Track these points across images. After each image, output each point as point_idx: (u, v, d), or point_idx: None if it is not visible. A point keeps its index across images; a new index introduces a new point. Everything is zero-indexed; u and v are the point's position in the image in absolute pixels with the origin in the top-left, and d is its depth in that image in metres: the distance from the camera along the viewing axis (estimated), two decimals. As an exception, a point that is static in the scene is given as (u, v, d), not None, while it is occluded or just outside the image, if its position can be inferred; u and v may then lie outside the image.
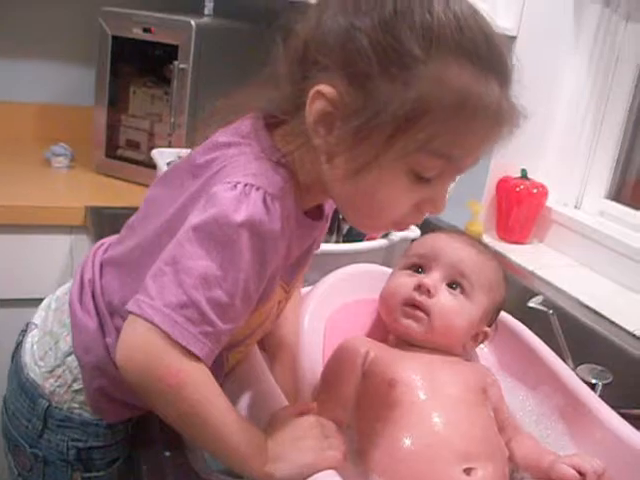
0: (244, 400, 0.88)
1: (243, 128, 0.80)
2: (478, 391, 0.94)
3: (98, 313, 0.90)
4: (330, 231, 1.41)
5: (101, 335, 0.89)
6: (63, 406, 0.93)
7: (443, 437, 0.86)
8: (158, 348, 0.72)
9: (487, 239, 1.58)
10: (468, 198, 1.58)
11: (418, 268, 1.00)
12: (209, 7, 1.96)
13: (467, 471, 0.84)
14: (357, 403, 0.92)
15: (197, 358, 0.72)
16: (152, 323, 0.71)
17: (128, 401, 0.91)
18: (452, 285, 0.97)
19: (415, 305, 0.96)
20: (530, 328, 1.10)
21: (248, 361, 0.93)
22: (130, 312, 0.73)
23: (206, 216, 0.72)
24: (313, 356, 0.98)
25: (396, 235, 1.36)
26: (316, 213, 0.87)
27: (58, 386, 0.92)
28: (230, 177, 0.74)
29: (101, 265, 0.92)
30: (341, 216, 1.43)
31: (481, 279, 0.99)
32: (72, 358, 0.91)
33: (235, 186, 0.72)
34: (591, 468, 0.86)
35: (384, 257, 1.34)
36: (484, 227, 1.59)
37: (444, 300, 0.96)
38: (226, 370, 0.92)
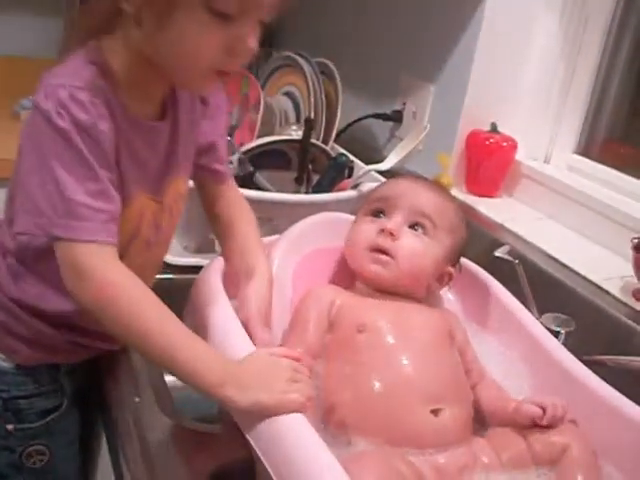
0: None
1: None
2: (445, 335, 0.96)
3: None
4: (299, 182, 1.41)
5: None
6: None
7: (411, 379, 0.87)
8: (78, 259, 0.77)
9: (456, 192, 1.58)
10: (437, 151, 1.58)
11: (379, 213, 1.01)
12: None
13: (435, 412, 0.86)
14: (325, 352, 0.93)
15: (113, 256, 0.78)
16: (61, 238, 0.77)
17: (30, 336, 0.93)
18: (414, 227, 0.98)
19: (380, 250, 0.97)
20: (496, 277, 1.11)
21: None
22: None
23: (30, 128, 0.78)
24: (281, 304, 0.98)
25: (364, 186, 1.36)
26: (158, 114, 0.89)
27: None
28: (42, 85, 0.77)
29: None
30: (310, 167, 1.43)
31: (442, 219, 0.99)
32: None
33: (45, 92, 0.76)
34: (550, 402, 0.87)
35: (352, 208, 1.33)
36: (453, 180, 1.59)
37: (408, 242, 0.97)
38: None
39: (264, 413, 0.74)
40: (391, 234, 0.96)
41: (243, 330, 0.84)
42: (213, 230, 1.06)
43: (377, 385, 0.86)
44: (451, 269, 1.02)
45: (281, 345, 0.93)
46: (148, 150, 0.87)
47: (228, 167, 1.06)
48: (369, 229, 0.99)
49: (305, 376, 0.80)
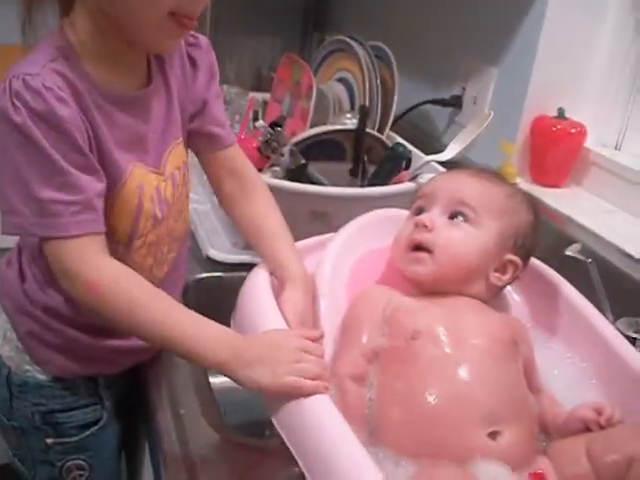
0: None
1: None
2: (507, 343, 0.88)
3: (20, 263, 0.94)
4: (354, 174, 1.35)
5: (20, 282, 0.93)
6: (18, 371, 0.96)
7: (466, 395, 0.81)
8: (60, 258, 0.77)
9: (520, 182, 1.51)
10: (500, 139, 1.51)
11: (421, 211, 0.96)
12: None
13: (492, 435, 0.79)
14: (379, 359, 0.87)
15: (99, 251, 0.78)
16: (41, 237, 0.77)
17: (61, 344, 0.93)
18: (454, 217, 0.93)
19: (417, 246, 0.92)
20: (566, 278, 1.04)
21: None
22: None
23: None
24: (335, 306, 0.93)
25: (423, 177, 1.30)
26: (144, 84, 0.88)
27: (10, 350, 0.96)
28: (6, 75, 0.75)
29: None
30: (366, 157, 1.37)
31: (486, 204, 0.93)
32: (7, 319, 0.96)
33: (2, 87, 0.75)
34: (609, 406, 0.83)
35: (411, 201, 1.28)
36: (518, 169, 1.52)
37: (444, 231, 0.92)
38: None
39: (263, 393, 0.75)
40: (424, 226, 0.92)
41: None
42: (225, 210, 1.03)
43: (429, 404, 0.80)
44: (514, 257, 0.94)
45: (336, 351, 0.89)
46: (137, 121, 0.85)
47: (229, 131, 1.01)
48: (407, 227, 0.95)
49: (314, 357, 0.78)
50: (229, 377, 0.76)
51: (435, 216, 0.93)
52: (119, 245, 0.87)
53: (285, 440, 0.73)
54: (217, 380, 1.06)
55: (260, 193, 1.00)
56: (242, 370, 0.75)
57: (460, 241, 0.91)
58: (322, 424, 0.71)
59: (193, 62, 0.94)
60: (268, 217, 0.98)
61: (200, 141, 0.98)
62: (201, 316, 0.79)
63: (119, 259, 0.82)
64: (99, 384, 0.99)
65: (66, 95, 0.76)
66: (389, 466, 0.77)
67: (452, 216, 0.93)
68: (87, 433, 0.98)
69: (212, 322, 0.79)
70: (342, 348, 0.88)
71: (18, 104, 0.73)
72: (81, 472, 1.00)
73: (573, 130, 1.49)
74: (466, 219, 0.92)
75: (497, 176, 1.02)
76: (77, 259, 0.77)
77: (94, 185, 0.79)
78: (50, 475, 1.00)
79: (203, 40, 0.96)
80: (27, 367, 0.96)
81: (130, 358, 0.99)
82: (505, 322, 0.92)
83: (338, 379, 0.83)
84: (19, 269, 0.95)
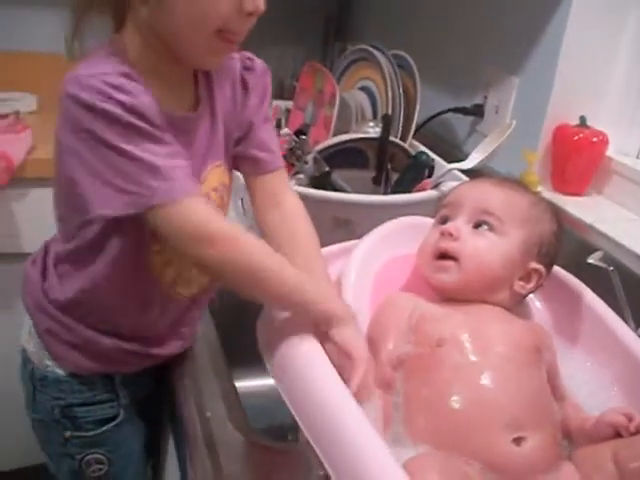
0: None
1: None
2: (530, 350, 0.89)
3: (44, 264, 0.98)
4: (377, 181, 1.36)
5: (41, 280, 0.96)
6: (40, 365, 0.99)
7: (490, 402, 0.81)
8: (187, 221, 0.77)
9: (542, 191, 1.51)
10: (522, 147, 1.51)
11: (445, 219, 0.97)
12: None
13: (517, 441, 0.79)
14: (405, 366, 0.87)
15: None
16: (159, 205, 0.77)
17: (77, 343, 0.95)
18: (479, 226, 0.93)
19: (442, 254, 0.93)
20: (589, 286, 1.04)
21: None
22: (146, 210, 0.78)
23: (71, 123, 0.78)
24: (360, 313, 0.91)
25: (445, 185, 1.30)
26: (192, 106, 0.90)
27: (33, 346, 0.99)
28: (72, 83, 0.77)
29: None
30: (389, 165, 1.38)
31: (510, 213, 0.94)
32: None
33: (79, 85, 0.76)
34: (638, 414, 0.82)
35: (433, 209, 1.28)
36: (539, 177, 1.52)
37: (470, 239, 0.92)
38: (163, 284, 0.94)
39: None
40: (450, 234, 0.93)
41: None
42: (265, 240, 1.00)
43: (454, 410, 0.80)
44: (538, 266, 0.95)
45: None
46: (180, 142, 0.85)
47: (275, 156, 0.99)
48: (433, 236, 0.96)
49: None
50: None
51: (460, 225, 0.94)
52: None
53: (310, 441, 0.73)
54: (242, 384, 1.07)
55: (299, 228, 0.96)
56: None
57: (485, 250, 0.92)
58: (349, 427, 0.71)
59: (245, 86, 0.95)
60: (310, 261, 0.94)
61: (244, 164, 0.98)
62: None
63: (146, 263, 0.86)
64: (115, 381, 1.01)
65: (142, 88, 0.78)
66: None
67: (477, 225, 0.93)
68: (104, 429, 1.00)
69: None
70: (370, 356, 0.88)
71: (104, 97, 0.75)
72: (100, 466, 1.02)
73: (595, 139, 1.49)
74: (491, 228, 0.93)
75: (520, 185, 1.02)
76: (203, 218, 0.78)
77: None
78: (71, 468, 1.02)
79: (259, 64, 0.97)
80: (47, 362, 0.98)
81: (146, 361, 1.01)
82: (528, 329, 0.93)
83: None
84: (42, 268, 0.97)
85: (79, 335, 0.95)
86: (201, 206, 0.79)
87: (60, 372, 0.98)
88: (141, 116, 0.76)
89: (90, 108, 0.75)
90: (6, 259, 1.66)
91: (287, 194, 0.98)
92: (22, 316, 1.01)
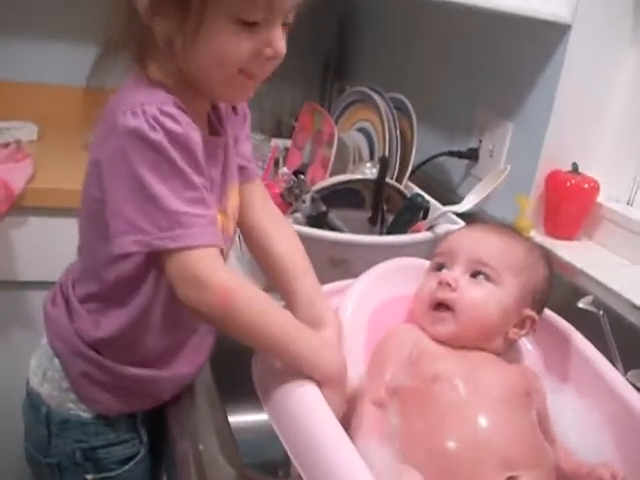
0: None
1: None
2: (522, 394, 0.91)
3: (67, 303, 0.95)
4: (373, 222, 1.38)
5: (69, 322, 0.94)
6: (60, 409, 0.97)
7: (485, 440, 0.82)
8: (191, 267, 0.78)
9: (534, 235, 1.53)
10: (515, 191, 1.54)
11: (441, 267, 0.99)
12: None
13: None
14: (400, 398, 0.89)
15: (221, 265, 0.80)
16: (170, 250, 0.78)
17: (112, 382, 0.94)
18: (476, 275, 0.95)
19: (440, 303, 0.94)
20: (578, 329, 1.06)
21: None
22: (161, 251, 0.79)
23: (114, 150, 0.78)
24: (354, 352, 0.95)
25: (440, 227, 1.33)
26: (208, 131, 0.93)
27: (52, 389, 0.97)
28: (122, 108, 0.78)
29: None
30: (385, 207, 1.40)
31: (506, 262, 0.96)
32: (56, 360, 0.96)
33: (131, 111, 0.77)
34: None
35: (428, 250, 1.30)
36: (532, 222, 1.54)
37: (467, 290, 0.94)
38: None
39: None
40: (448, 285, 0.94)
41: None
42: (251, 251, 1.05)
43: (447, 447, 0.82)
44: (531, 313, 0.97)
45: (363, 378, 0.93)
46: (209, 164, 0.88)
47: (256, 167, 1.06)
48: (429, 283, 0.98)
49: None
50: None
51: (458, 275, 0.95)
52: None
53: (302, 477, 0.74)
54: (235, 419, 1.07)
55: (286, 226, 1.04)
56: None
57: (482, 301, 0.93)
58: (341, 464, 0.71)
59: (234, 109, 1.00)
60: (297, 254, 1.00)
61: None
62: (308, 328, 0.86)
63: None
64: (137, 419, 1.00)
65: (192, 123, 0.80)
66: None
67: (474, 274, 0.95)
68: (126, 468, 1.00)
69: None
70: (369, 378, 0.92)
71: (156, 125, 0.76)
72: None
73: (586, 185, 1.52)
74: (487, 278, 0.94)
75: (514, 231, 1.04)
76: (207, 267, 0.78)
77: (213, 205, 0.84)
78: None
79: None
80: (70, 405, 0.96)
81: (172, 389, 1.01)
82: (520, 373, 0.95)
83: (359, 403, 0.87)
84: (66, 308, 0.96)
85: (114, 373, 0.93)
86: (212, 257, 0.79)
87: (85, 415, 0.96)
88: (184, 151, 0.78)
89: (138, 135, 0.77)
90: (4, 287, 1.67)
91: (272, 201, 1.06)
92: (19, 344, 1.00)
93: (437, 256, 1.01)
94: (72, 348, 0.94)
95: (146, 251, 0.79)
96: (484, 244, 0.98)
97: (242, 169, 1.01)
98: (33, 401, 0.99)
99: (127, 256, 0.86)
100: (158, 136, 0.76)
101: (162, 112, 0.77)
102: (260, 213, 1.02)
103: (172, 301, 0.87)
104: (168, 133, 0.76)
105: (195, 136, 0.80)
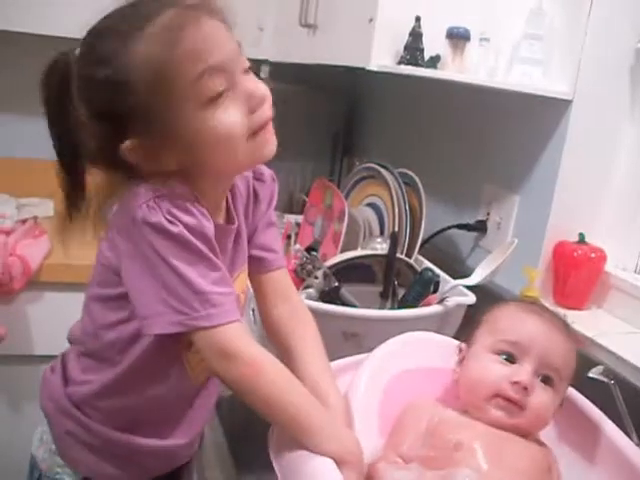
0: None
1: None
2: (544, 469, 0.93)
3: (64, 370, 1.00)
4: (385, 296, 1.41)
5: (63, 386, 0.98)
6: (49, 473, 1.00)
7: None
8: (222, 342, 0.83)
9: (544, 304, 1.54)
10: (523, 262, 1.55)
11: (509, 356, 0.98)
12: (265, 71, 2.02)
13: None
14: (420, 462, 0.91)
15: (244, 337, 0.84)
16: (205, 328, 0.82)
17: (94, 443, 0.97)
18: (544, 379, 0.97)
19: (510, 400, 0.95)
20: (590, 399, 1.07)
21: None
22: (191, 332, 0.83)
23: (134, 244, 0.82)
24: (369, 427, 0.96)
25: (450, 300, 1.35)
26: (222, 217, 0.97)
27: (44, 452, 1.00)
28: (137, 200, 0.82)
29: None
30: (397, 282, 1.43)
31: (568, 370, 0.99)
32: (46, 420, 1.00)
33: (147, 206, 0.81)
34: None
35: (439, 323, 1.33)
36: (540, 292, 1.56)
37: (539, 397, 0.96)
38: (193, 378, 0.98)
39: None
40: (525, 389, 0.94)
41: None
42: (270, 338, 1.06)
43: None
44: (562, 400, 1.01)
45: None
46: (219, 249, 0.91)
47: (278, 256, 1.07)
48: (498, 373, 0.97)
49: None
50: None
51: (531, 378, 0.95)
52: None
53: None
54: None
55: (308, 322, 1.04)
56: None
57: (547, 407, 0.96)
58: None
59: (256, 195, 1.03)
60: (302, 326, 1.03)
61: (250, 264, 1.04)
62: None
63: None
64: None
65: (205, 212, 0.85)
66: None
67: (544, 379, 0.96)
68: None
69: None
70: (383, 450, 0.94)
71: (174, 220, 0.81)
72: None
73: (593, 255, 1.54)
74: (552, 384, 0.97)
75: (572, 331, 1.05)
76: (237, 341, 0.84)
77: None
78: None
79: (268, 174, 1.05)
80: (57, 469, 0.99)
81: (163, 463, 1.02)
82: (540, 448, 0.97)
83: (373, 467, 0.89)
84: (62, 375, 1.00)
85: (101, 436, 0.96)
86: (240, 331, 0.85)
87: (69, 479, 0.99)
88: (202, 239, 0.83)
89: (159, 229, 0.81)
90: (19, 361, 1.69)
91: (294, 292, 1.07)
92: (32, 416, 1.02)
93: (504, 342, 0.99)
94: (59, 406, 0.98)
95: (182, 331, 0.83)
96: (555, 346, 0.98)
97: (259, 259, 1.04)
98: (31, 465, 1.03)
99: (129, 320, 0.91)
100: (177, 229, 0.81)
101: (176, 206, 0.82)
102: (283, 306, 1.04)
103: (157, 360, 0.92)
104: (185, 225, 0.81)
105: (208, 225, 0.84)
